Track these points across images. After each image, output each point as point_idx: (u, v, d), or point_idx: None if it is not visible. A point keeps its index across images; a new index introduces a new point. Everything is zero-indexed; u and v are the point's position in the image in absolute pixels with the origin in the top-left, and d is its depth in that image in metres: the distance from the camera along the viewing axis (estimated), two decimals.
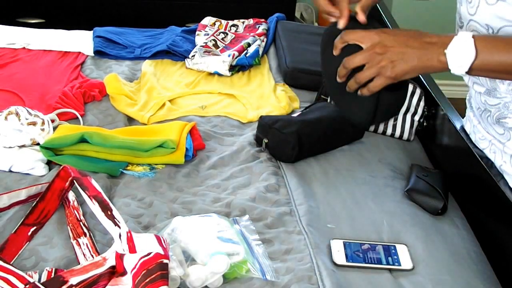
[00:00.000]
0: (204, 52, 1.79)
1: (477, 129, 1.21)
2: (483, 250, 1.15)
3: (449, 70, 0.96)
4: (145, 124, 1.47)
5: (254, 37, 1.90)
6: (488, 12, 1.01)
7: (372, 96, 1.04)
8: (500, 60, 0.93)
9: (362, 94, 1.03)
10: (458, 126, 1.33)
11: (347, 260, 1.06)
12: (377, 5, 2.07)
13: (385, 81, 1.00)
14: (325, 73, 1.13)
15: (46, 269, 0.98)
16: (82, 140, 1.27)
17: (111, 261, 0.95)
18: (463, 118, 1.37)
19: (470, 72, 0.94)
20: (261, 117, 1.41)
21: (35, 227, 1.10)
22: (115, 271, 0.95)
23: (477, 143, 1.21)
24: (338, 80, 1.05)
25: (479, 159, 1.19)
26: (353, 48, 1.02)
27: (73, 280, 0.91)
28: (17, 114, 1.31)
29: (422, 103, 1.50)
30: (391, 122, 1.49)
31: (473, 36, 0.93)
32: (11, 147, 1.29)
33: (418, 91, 1.50)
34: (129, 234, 0.97)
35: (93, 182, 1.10)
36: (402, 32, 1.00)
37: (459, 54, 0.94)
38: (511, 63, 0.93)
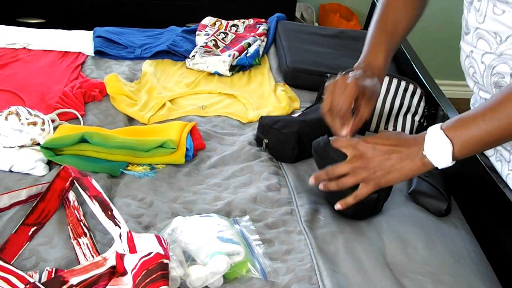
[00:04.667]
0: (205, 52, 1.80)
1: None
2: (483, 250, 1.15)
3: (436, 168, 0.99)
4: (146, 124, 1.47)
5: (255, 37, 1.90)
6: (496, 21, 1.01)
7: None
8: (476, 136, 0.95)
9: (345, 204, 1.08)
10: None
11: None
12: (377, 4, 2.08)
13: (370, 189, 1.05)
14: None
15: (47, 269, 0.98)
16: (83, 140, 1.27)
17: (112, 261, 0.95)
18: None
19: (456, 158, 0.97)
20: (261, 117, 1.41)
21: (35, 227, 1.10)
22: (116, 271, 0.95)
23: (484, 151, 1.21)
24: (312, 182, 1.10)
25: (479, 158, 1.19)
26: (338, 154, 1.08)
27: (74, 280, 0.91)
28: (17, 114, 1.31)
29: (422, 103, 1.50)
30: (391, 123, 1.49)
31: (441, 128, 0.97)
32: (12, 147, 1.29)
33: (418, 91, 1.51)
34: (129, 234, 0.97)
35: (94, 182, 1.10)
36: (383, 140, 1.04)
37: (437, 150, 0.97)
38: (487, 135, 0.94)
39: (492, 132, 0.93)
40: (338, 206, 1.09)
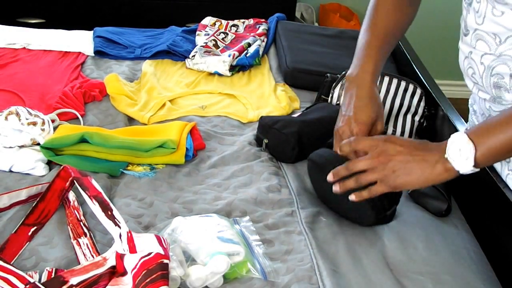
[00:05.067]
0: (205, 52, 1.80)
1: None
2: (483, 250, 1.15)
3: (458, 173, 0.97)
4: (146, 124, 1.47)
5: (255, 37, 1.90)
6: (495, 23, 1.01)
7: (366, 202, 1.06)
8: (501, 142, 0.93)
9: (360, 197, 1.04)
10: (458, 126, 1.33)
11: None
12: None
13: (385, 189, 1.02)
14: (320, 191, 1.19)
15: (47, 269, 0.98)
16: (83, 140, 1.27)
17: (112, 261, 0.95)
18: (463, 118, 1.37)
19: (478, 165, 0.95)
20: (261, 117, 1.41)
21: (35, 227, 1.10)
22: (116, 271, 0.95)
23: None
24: (331, 179, 1.06)
25: None
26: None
27: (74, 280, 0.91)
28: (17, 114, 1.31)
29: (422, 103, 1.50)
30: (391, 123, 1.49)
31: (466, 133, 0.95)
32: (11, 147, 1.29)
33: (418, 91, 1.51)
34: (129, 234, 0.97)
35: (94, 182, 1.10)
36: (408, 142, 1.02)
37: (460, 153, 0.95)
38: (510, 141, 0.93)
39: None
40: (352, 197, 1.05)
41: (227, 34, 1.95)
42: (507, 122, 0.93)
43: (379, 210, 1.11)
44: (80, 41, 1.88)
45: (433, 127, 1.48)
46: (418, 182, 0.99)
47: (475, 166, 0.95)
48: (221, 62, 1.74)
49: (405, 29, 1.26)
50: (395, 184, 1.00)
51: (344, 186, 1.05)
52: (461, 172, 0.96)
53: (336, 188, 1.05)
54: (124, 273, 0.93)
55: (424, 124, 1.51)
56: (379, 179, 1.01)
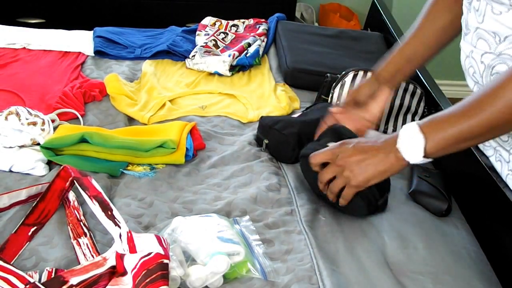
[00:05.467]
0: (205, 52, 1.80)
1: None
2: (483, 250, 1.15)
3: (408, 164, 1.00)
4: (146, 124, 1.47)
5: (255, 37, 1.90)
6: (495, 21, 1.01)
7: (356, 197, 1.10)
8: (450, 135, 0.96)
9: (341, 204, 1.11)
10: None
11: None
12: (378, 5, 2.08)
13: (353, 190, 1.07)
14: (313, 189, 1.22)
15: (47, 269, 0.98)
16: (83, 140, 1.27)
17: (112, 261, 0.95)
18: None
19: (428, 155, 0.98)
20: (261, 117, 1.41)
21: (35, 227, 1.10)
22: (116, 271, 0.95)
23: (483, 151, 1.21)
24: (321, 190, 1.14)
25: (479, 158, 1.19)
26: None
27: (74, 280, 0.91)
28: (17, 114, 1.31)
29: (422, 103, 1.50)
30: (391, 123, 1.49)
31: (417, 124, 0.98)
32: (11, 147, 1.29)
33: (418, 91, 1.51)
34: (129, 234, 0.97)
35: (94, 182, 1.10)
36: (361, 142, 1.06)
37: (410, 143, 0.98)
38: (461, 134, 0.95)
39: (464, 131, 0.95)
40: (341, 202, 1.12)
41: (227, 34, 1.95)
42: (459, 116, 0.95)
43: (370, 200, 1.14)
44: (80, 41, 1.88)
45: None
46: (375, 175, 1.04)
47: (425, 156, 0.98)
48: (221, 62, 1.74)
49: (432, 58, 1.29)
50: (357, 183, 1.05)
51: (331, 200, 1.13)
52: (411, 162, 1.00)
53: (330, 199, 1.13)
54: (124, 273, 0.93)
55: None
56: (345, 182, 1.07)
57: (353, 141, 1.08)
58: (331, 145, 1.12)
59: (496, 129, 0.94)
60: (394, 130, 1.49)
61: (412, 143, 0.98)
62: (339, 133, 1.19)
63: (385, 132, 1.50)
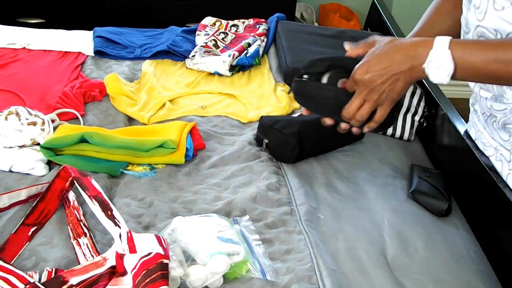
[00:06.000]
0: (204, 52, 1.79)
1: (483, 135, 1.21)
2: (483, 250, 1.15)
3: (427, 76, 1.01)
4: (145, 124, 1.47)
5: (254, 37, 1.90)
6: (497, 17, 1.01)
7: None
8: (477, 63, 0.96)
9: (369, 128, 1.11)
10: (458, 126, 1.33)
11: None
12: (378, 5, 2.08)
13: (386, 110, 1.07)
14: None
15: (46, 269, 0.98)
16: (82, 140, 1.27)
17: (111, 261, 0.95)
18: (463, 118, 1.37)
19: (452, 79, 0.99)
20: (261, 117, 1.41)
21: (35, 227, 1.10)
22: (115, 271, 0.95)
23: (484, 150, 1.21)
24: (329, 122, 1.15)
25: (479, 158, 1.19)
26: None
27: (73, 280, 0.91)
28: (17, 114, 1.31)
29: (422, 103, 1.50)
30: None
31: (450, 45, 0.96)
32: (11, 147, 1.29)
33: (418, 91, 1.51)
34: (129, 234, 0.97)
35: (93, 182, 1.10)
36: (378, 58, 1.03)
37: (438, 68, 0.98)
38: (486, 66, 0.96)
39: (490, 65, 0.95)
40: (365, 129, 1.12)
41: (227, 34, 1.95)
42: (488, 46, 0.96)
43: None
44: (80, 41, 1.88)
45: (433, 127, 1.48)
46: (406, 86, 1.04)
47: (449, 79, 0.99)
48: (221, 62, 1.74)
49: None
50: (391, 100, 1.05)
51: (356, 131, 1.13)
52: (434, 81, 1.00)
53: (343, 126, 1.13)
54: (124, 273, 0.93)
55: (424, 124, 1.51)
56: (376, 103, 1.06)
57: (367, 65, 1.04)
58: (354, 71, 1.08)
59: None
60: (394, 130, 1.49)
61: (441, 70, 0.97)
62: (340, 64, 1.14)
63: (384, 133, 1.50)
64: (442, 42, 0.97)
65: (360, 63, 1.05)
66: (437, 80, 0.99)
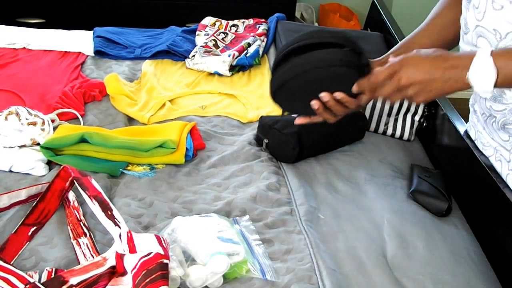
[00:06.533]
0: (204, 52, 1.79)
1: (482, 135, 1.21)
2: (483, 250, 1.15)
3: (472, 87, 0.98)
4: (145, 124, 1.47)
5: (254, 37, 1.90)
6: (496, 17, 1.01)
7: None
8: None
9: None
10: (458, 126, 1.33)
11: None
12: (378, 5, 2.08)
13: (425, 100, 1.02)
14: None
15: (46, 269, 0.98)
16: (82, 140, 1.27)
17: (111, 261, 0.95)
18: (463, 118, 1.37)
19: (496, 87, 0.96)
20: (261, 117, 1.41)
21: (35, 227, 1.10)
22: (115, 271, 0.95)
23: (483, 150, 1.21)
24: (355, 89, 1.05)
25: (479, 158, 1.19)
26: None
27: (73, 280, 0.91)
28: (17, 114, 1.31)
29: (422, 103, 1.50)
30: (391, 123, 1.49)
31: (492, 54, 0.94)
32: (11, 147, 1.29)
33: None
34: (129, 234, 0.97)
35: (93, 182, 1.10)
36: (424, 60, 1.00)
37: (482, 76, 0.95)
38: None
39: None
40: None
41: (227, 34, 1.95)
42: None
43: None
44: (80, 41, 1.88)
45: (433, 127, 1.48)
46: (441, 94, 1.00)
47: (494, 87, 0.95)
48: (221, 62, 1.74)
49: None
50: (419, 102, 1.02)
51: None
52: (478, 91, 0.97)
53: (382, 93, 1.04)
54: (124, 273, 0.93)
55: (424, 124, 1.51)
56: (403, 98, 1.02)
57: (416, 60, 1.00)
58: (391, 60, 1.03)
59: None
60: (394, 130, 1.49)
61: (485, 78, 0.95)
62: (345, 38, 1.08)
63: (384, 133, 1.50)
64: (484, 52, 0.96)
65: (398, 59, 1.01)
66: (481, 87, 0.96)
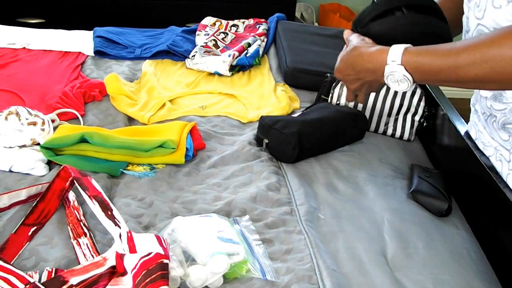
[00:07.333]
0: (205, 52, 1.80)
1: (483, 135, 1.21)
2: (483, 250, 1.15)
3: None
4: (146, 124, 1.47)
5: (255, 37, 1.90)
6: (495, 15, 1.01)
7: None
8: (432, 69, 0.98)
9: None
10: (458, 126, 1.33)
11: None
12: None
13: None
14: None
15: (47, 269, 0.98)
16: (83, 140, 1.27)
17: (112, 261, 0.95)
18: (463, 118, 1.37)
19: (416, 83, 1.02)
20: (261, 117, 1.41)
21: (35, 227, 1.10)
22: (116, 271, 0.95)
23: (484, 150, 1.21)
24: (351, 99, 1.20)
25: (479, 158, 1.19)
26: None
27: (74, 280, 0.91)
28: (17, 114, 1.31)
29: (422, 103, 1.50)
30: (391, 123, 1.49)
31: (403, 58, 0.99)
32: (12, 147, 1.29)
33: (418, 91, 1.51)
34: (129, 234, 0.97)
35: (94, 182, 1.10)
36: (349, 59, 1.10)
37: (397, 84, 1.02)
38: (439, 71, 0.96)
39: (443, 71, 0.96)
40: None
41: (227, 34, 1.95)
42: (442, 53, 0.97)
43: None
44: (80, 41, 1.88)
45: (433, 127, 1.48)
46: (380, 87, 1.16)
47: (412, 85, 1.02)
48: (221, 62, 1.74)
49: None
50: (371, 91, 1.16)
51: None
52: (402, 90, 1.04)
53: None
54: (124, 273, 0.93)
55: (424, 124, 1.51)
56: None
57: (343, 70, 1.12)
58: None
59: (470, 78, 0.94)
60: (394, 130, 1.49)
61: (400, 84, 1.02)
62: None
63: (384, 133, 1.50)
64: (395, 55, 1.00)
65: (336, 64, 1.14)
66: (401, 90, 1.03)
